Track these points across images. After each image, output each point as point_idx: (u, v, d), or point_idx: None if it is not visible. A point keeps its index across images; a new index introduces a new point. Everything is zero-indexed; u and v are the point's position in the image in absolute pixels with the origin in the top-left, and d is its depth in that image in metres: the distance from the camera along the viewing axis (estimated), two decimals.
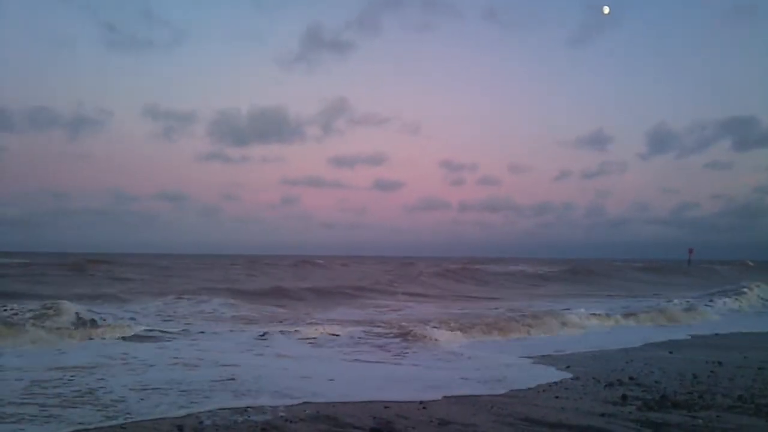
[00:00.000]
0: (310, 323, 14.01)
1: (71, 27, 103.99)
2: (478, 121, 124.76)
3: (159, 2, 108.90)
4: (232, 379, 7.74)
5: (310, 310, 18.60)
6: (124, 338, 11.50)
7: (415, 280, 33.74)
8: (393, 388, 7.41)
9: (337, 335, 12.24)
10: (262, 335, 12.18)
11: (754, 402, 6.69)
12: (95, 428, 5.55)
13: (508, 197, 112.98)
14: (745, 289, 23.66)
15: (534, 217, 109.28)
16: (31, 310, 13.57)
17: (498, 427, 5.78)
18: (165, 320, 14.83)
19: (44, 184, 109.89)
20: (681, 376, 8.35)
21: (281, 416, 6.02)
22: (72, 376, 7.75)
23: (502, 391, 7.37)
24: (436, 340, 11.71)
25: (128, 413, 6.00)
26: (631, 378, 8.18)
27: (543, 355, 10.39)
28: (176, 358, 9.42)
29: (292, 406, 6.42)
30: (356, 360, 9.77)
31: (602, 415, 6.18)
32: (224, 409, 6.23)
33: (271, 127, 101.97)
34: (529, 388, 7.60)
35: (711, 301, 21.27)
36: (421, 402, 6.64)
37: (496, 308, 19.94)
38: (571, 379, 8.27)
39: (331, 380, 7.93)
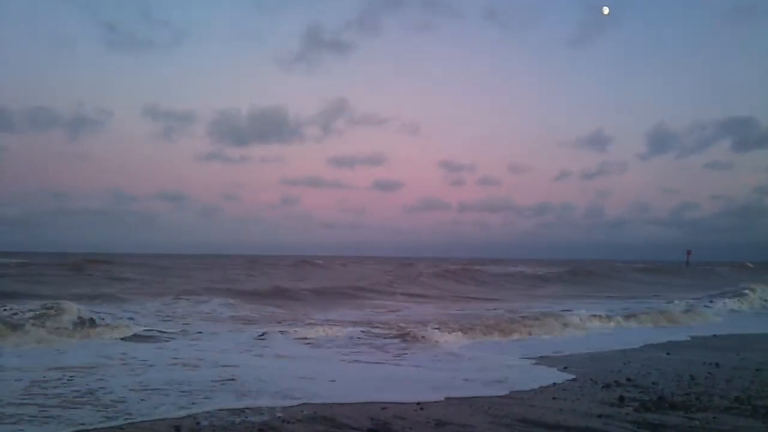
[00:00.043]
0: (309, 324, 14.03)
1: (71, 27, 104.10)
2: (477, 121, 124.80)
3: (159, 2, 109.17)
4: (232, 379, 7.75)
5: (309, 311, 18.61)
6: (123, 338, 11.51)
7: (415, 281, 33.75)
8: (392, 390, 7.41)
9: (337, 336, 12.26)
10: (262, 336, 12.20)
11: (751, 403, 6.69)
12: (94, 429, 5.56)
13: (507, 198, 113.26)
14: (747, 291, 23.65)
15: (534, 218, 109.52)
16: (31, 310, 13.58)
17: (495, 428, 5.80)
18: (164, 320, 14.85)
19: (44, 184, 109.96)
20: (678, 378, 8.37)
21: (278, 417, 6.03)
22: (71, 377, 7.77)
23: (502, 393, 7.37)
24: (435, 341, 11.73)
25: (128, 414, 6.01)
26: (628, 379, 8.19)
27: (542, 356, 10.40)
28: (175, 358, 9.44)
29: (289, 406, 6.43)
30: (355, 361, 9.78)
31: (599, 416, 6.19)
32: (222, 410, 6.24)
33: (270, 127, 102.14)
34: (531, 390, 7.59)
35: (711, 302, 21.28)
36: (418, 403, 6.65)
37: (495, 309, 19.95)
38: (569, 380, 8.28)
39: (329, 381, 7.94)
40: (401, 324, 14.28)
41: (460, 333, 12.60)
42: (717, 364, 9.44)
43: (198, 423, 5.78)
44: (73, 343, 10.78)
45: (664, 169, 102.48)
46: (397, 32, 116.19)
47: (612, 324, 15.42)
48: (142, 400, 6.58)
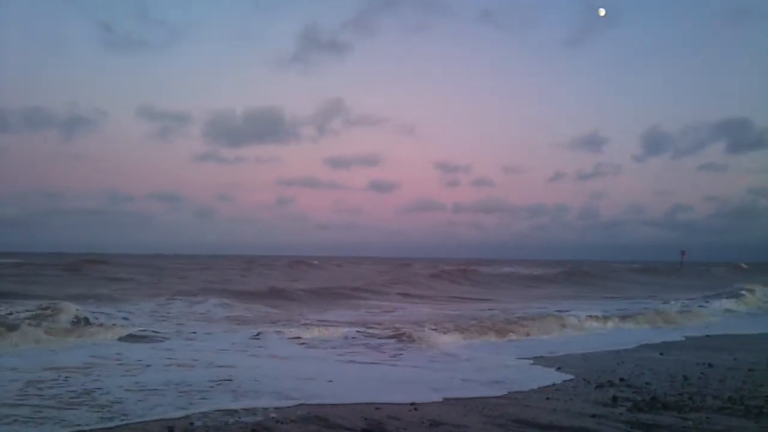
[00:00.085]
0: (305, 324, 14.00)
1: (66, 27, 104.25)
2: (473, 122, 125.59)
3: (154, 2, 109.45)
4: (228, 380, 7.74)
5: (304, 311, 18.59)
6: (118, 339, 11.48)
7: (411, 282, 33.74)
8: (387, 390, 7.41)
9: (332, 336, 12.24)
10: (257, 336, 12.18)
11: (744, 403, 6.72)
12: (90, 430, 5.54)
13: (502, 198, 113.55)
14: (744, 292, 23.69)
15: (529, 219, 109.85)
16: (27, 311, 13.56)
17: (489, 428, 5.81)
18: (159, 321, 14.81)
19: (39, 184, 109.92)
20: (672, 378, 8.40)
21: (272, 417, 6.03)
22: (67, 377, 7.75)
23: (499, 393, 7.37)
24: (431, 341, 11.72)
25: (125, 414, 5.99)
26: (622, 379, 8.22)
27: (538, 357, 10.41)
28: (171, 358, 9.42)
29: (283, 407, 6.43)
30: (351, 361, 9.78)
31: (593, 416, 6.21)
32: (215, 410, 6.23)
33: (266, 127, 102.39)
34: (528, 390, 7.60)
35: (707, 303, 21.35)
36: (412, 403, 6.66)
37: (490, 309, 19.96)
38: (566, 380, 8.28)
39: (327, 382, 7.93)
40: (397, 324, 14.27)
41: (456, 333, 12.59)
42: (710, 365, 9.48)
43: (191, 423, 5.77)
44: (68, 343, 10.74)
45: (658, 170, 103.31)
46: (394, 33, 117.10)
47: (608, 324, 15.42)
48: (139, 400, 6.56)
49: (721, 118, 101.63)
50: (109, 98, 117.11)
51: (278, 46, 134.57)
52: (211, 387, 7.31)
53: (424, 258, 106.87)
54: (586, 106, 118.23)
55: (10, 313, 13.29)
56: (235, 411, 6.22)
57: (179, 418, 5.90)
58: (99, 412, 6.08)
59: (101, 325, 12.86)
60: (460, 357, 10.33)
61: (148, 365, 8.77)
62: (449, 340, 12.03)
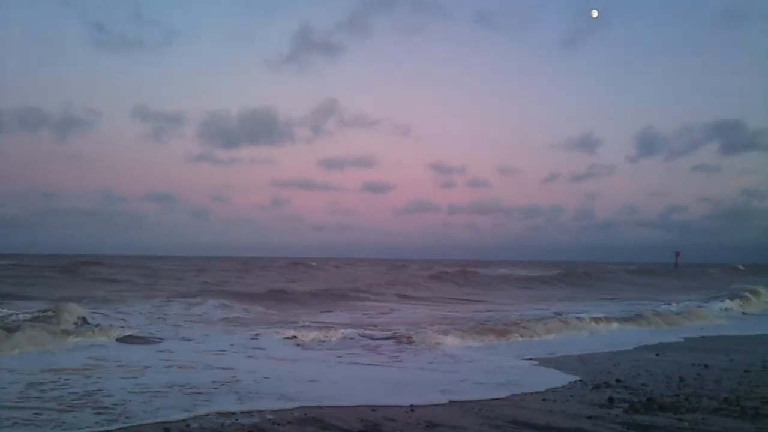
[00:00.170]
0: (303, 326, 13.99)
1: (61, 27, 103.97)
2: (467, 123, 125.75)
3: (149, 2, 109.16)
4: (230, 382, 7.74)
5: (303, 312, 18.58)
6: (116, 340, 11.47)
7: (408, 283, 33.76)
8: (385, 392, 7.41)
9: (331, 338, 12.22)
10: (255, 337, 12.17)
11: (740, 404, 6.75)
12: None
13: (497, 199, 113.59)
14: (748, 293, 23.64)
15: (523, 220, 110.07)
16: (27, 312, 13.54)
17: (485, 429, 5.82)
18: (157, 322, 14.79)
19: (33, 185, 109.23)
20: (668, 379, 8.42)
21: (269, 419, 6.03)
22: (67, 379, 7.76)
23: (500, 395, 7.35)
24: (431, 342, 11.71)
25: (128, 417, 5.98)
26: (618, 380, 8.23)
27: (540, 358, 10.38)
28: (170, 360, 9.42)
29: (280, 409, 6.42)
30: (349, 363, 9.76)
31: (589, 417, 6.22)
32: (211, 413, 6.22)
33: (260, 128, 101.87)
34: (536, 392, 7.56)
35: (707, 304, 21.35)
36: (411, 406, 6.65)
37: (488, 311, 20.02)
38: (571, 382, 8.26)
39: (328, 383, 7.93)
40: (395, 326, 14.29)
41: (456, 335, 12.56)
42: (706, 366, 9.51)
43: (188, 425, 5.76)
44: (66, 344, 10.71)
45: (652, 171, 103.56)
46: (388, 34, 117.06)
47: (608, 326, 15.35)
48: (143, 402, 6.55)
49: (715, 120, 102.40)
50: (104, 99, 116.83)
51: (272, 47, 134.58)
52: (215, 389, 7.31)
53: (419, 259, 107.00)
54: (580, 107, 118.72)
55: (9, 315, 13.29)
56: (232, 413, 6.22)
57: (176, 421, 5.88)
58: (102, 414, 6.07)
59: (98, 325, 12.87)
60: (462, 358, 10.32)
61: (148, 367, 8.76)
62: (450, 342, 11.99)
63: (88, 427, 5.63)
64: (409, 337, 12.02)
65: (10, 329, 10.80)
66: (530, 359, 10.30)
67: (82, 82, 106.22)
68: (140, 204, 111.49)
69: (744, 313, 20.83)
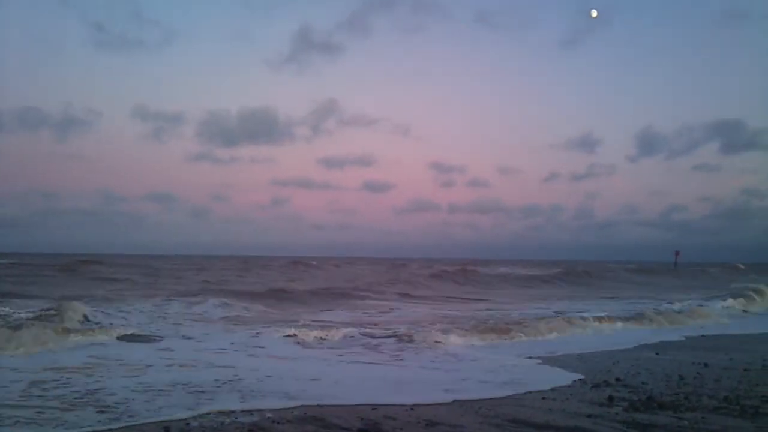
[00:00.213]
0: (304, 324, 13.99)
1: (61, 27, 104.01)
2: (467, 122, 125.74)
3: (149, 2, 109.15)
4: (232, 380, 7.75)
5: (304, 311, 18.59)
6: (117, 339, 11.47)
7: (409, 282, 33.77)
8: (388, 391, 7.41)
9: (332, 336, 12.23)
10: (255, 336, 12.19)
11: (740, 403, 6.75)
12: (91, 431, 5.54)
13: (497, 199, 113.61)
14: (751, 292, 23.56)
15: (523, 219, 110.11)
16: (30, 311, 13.56)
17: (485, 428, 5.83)
18: (156, 321, 14.81)
19: (33, 185, 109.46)
20: (667, 378, 8.43)
21: (268, 418, 6.04)
22: (69, 377, 7.76)
23: (502, 394, 7.35)
24: (432, 341, 11.72)
25: (131, 415, 5.99)
26: (618, 379, 8.24)
27: (543, 357, 10.39)
28: (171, 359, 9.43)
29: (280, 408, 6.43)
30: (351, 362, 9.77)
31: (589, 416, 6.23)
32: (212, 411, 6.24)
33: (260, 127, 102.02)
34: (541, 390, 7.57)
35: (709, 303, 21.33)
36: (412, 406, 6.66)
37: (489, 310, 20.03)
38: (575, 380, 8.27)
39: (330, 382, 7.94)
40: (397, 324, 14.30)
41: (457, 333, 12.55)
42: (706, 364, 9.52)
43: (188, 424, 5.77)
44: (67, 343, 10.70)
45: (652, 171, 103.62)
46: (388, 34, 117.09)
47: (608, 324, 15.30)
48: (146, 401, 6.56)
49: (715, 119, 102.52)
50: (104, 98, 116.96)
51: (272, 47, 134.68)
52: (218, 387, 7.32)
53: (419, 258, 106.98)
54: (580, 107, 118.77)
55: (13, 313, 13.32)
56: (232, 411, 6.23)
57: (176, 420, 5.88)
58: (104, 413, 6.07)
59: (98, 323, 12.89)
60: (464, 357, 10.31)
61: (150, 365, 8.77)
62: (451, 340, 11.99)
63: (90, 425, 5.64)
64: (410, 336, 12.03)
65: (14, 328, 10.82)
66: (538, 358, 10.30)
67: (82, 82, 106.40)
68: (140, 203, 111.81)
69: (744, 311, 20.84)
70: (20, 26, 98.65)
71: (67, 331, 11.50)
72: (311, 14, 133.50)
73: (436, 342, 11.71)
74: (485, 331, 13.08)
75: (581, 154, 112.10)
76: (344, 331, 12.82)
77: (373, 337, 12.33)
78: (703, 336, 13.91)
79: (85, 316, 13.42)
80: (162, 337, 12.04)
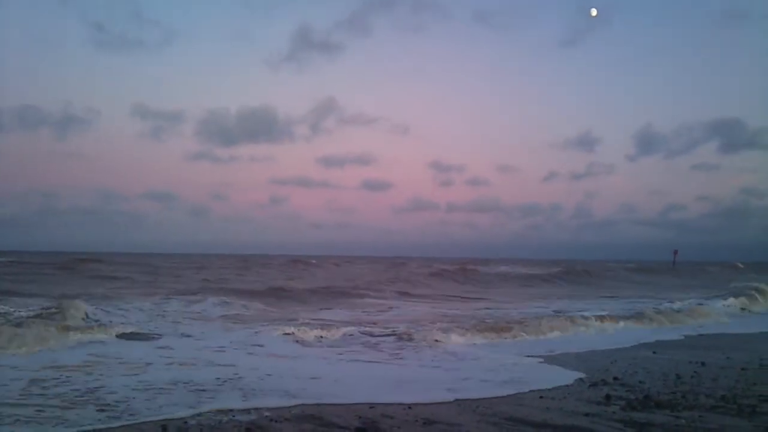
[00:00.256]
0: (303, 323, 14.01)
1: (61, 27, 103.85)
2: (466, 121, 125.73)
3: (149, 2, 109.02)
4: (232, 379, 7.77)
5: (302, 310, 18.60)
6: (116, 337, 11.49)
7: (409, 280, 33.78)
8: (387, 390, 7.43)
9: (332, 335, 12.25)
10: (255, 334, 12.20)
11: (737, 402, 6.77)
12: (92, 430, 5.54)
13: (496, 198, 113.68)
14: (754, 291, 23.50)
15: (522, 218, 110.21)
16: (30, 309, 13.56)
17: (483, 426, 5.85)
18: (156, 319, 14.82)
19: (33, 184, 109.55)
20: (665, 377, 8.45)
21: (266, 416, 6.06)
22: (69, 376, 7.78)
23: (502, 392, 7.37)
24: (434, 340, 11.75)
25: (132, 414, 6.00)
26: (615, 378, 8.26)
27: (543, 355, 10.41)
28: (171, 357, 9.44)
29: (278, 406, 6.45)
30: (350, 360, 9.79)
31: (586, 414, 6.25)
32: (210, 410, 6.25)
33: (260, 126, 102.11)
34: (544, 389, 7.58)
35: (710, 302, 21.32)
36: (410, 405, 6.68)
37: (488, 309, 20.05)
38: (576, 379, 8.28)
39: (331, 381, 7.96)
40: (396, 323, 14.31)
41: (458, 332, 12.55)
42: (703, 363, 9.54)
43: (185, 422, 5.79)
44: (67, 341, 10.71)
45: (652, 170, 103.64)
46: (387, 33, 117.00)
47: (611, 324, 15.21)
48: (147, 399, 6.57)
49: (714, 118, 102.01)
50: (103, 97, 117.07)
51: (272, 46, 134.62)
52: (219, 386, 7.34)
53: (419, 257, 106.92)
54: (579, 106, 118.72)
55: (13, 312, 13.33)
56: (230, 410, 6.25)
57: (174, 419, 5.90)
58: (104, 411, 6.08)
59: (97, 321, 12.90)
60: (465, 356, 10.32)
61: (149, 364, 8.79)
62: (451, 339, 12.00)
63: (90, 424, 5.65)
64: (410, 335, 12.05)
65: (16, 327, 10.83)
66: (539, 356, 10.32)
67: (81, 81, 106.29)
68: (140, 202, 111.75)
69: (743, 309, 20.85)
70: (20, 26, 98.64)
71: (68, 329, 11.51)
72: (311, 14, 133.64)
73: (436, 341, 11.72)
74: (485, 329, 13.08)
75: (580, 153, 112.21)
76: (343, 329, 12.83)
77: (372, 335, 12.35)
78: (701, 335, 13.94)
79: (86, 314, 13.43)
80: (161, 335, 12.05)
